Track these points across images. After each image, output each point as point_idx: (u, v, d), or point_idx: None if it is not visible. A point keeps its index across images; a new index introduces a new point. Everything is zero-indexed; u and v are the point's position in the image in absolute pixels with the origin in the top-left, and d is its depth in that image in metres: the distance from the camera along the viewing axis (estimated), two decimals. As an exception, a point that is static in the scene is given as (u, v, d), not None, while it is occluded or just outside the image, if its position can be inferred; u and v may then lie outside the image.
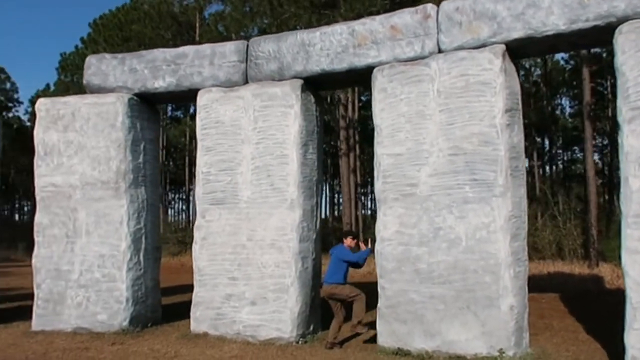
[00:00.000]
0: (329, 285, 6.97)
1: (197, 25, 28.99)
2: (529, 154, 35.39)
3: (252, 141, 7.72)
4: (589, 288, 12.24)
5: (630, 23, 5.67)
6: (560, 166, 41.13)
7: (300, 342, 7.20)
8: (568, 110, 40.66)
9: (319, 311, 7.97)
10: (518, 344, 6.13)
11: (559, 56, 35.90)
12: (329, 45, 7.43)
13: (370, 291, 7.13)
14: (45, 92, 39.84)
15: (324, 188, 45.76)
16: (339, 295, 6.95)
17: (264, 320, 7.37)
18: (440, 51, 6.81)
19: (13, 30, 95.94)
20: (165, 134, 36.22)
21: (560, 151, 41.09)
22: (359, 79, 7.59)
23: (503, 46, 6.40)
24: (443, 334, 6.36)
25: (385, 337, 6.74)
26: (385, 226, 6.91)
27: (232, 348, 6.92)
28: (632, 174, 5.56)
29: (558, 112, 39.17)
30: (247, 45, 8.02)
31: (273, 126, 7.63)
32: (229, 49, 8.04)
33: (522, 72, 33.51)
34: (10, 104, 43.03)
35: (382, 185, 6.98)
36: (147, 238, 8.43)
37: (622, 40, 5.70)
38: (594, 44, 6.82)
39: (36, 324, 8.21)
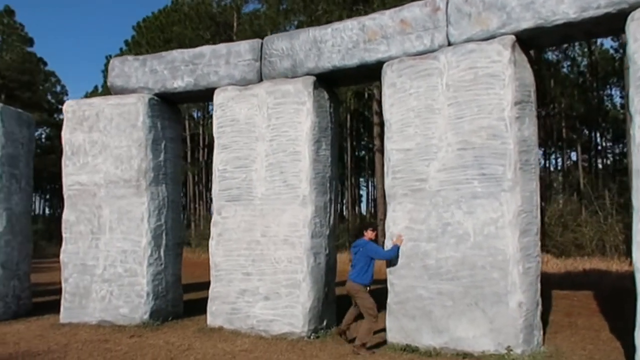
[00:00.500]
0: (354, 284, 6.68)
1: (235, 24, 29.37)
2: (574, 147, 34.21)
3: (266, 138, 7.80)
4: (627, 286, 11.77)
5: (643, 9, 5.43)
6: (611, 159, 39.55)
7: (312, 337, 7.25)
8: (619, 101, 39.01)
9: (334, 306, 8.00)
10: (527, 342, 5.98)
11: (607, 45, 34.59)
12: (340, 42, 7.43)
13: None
14: (94, 94, 41.25)
15: (367, 184, 45.63)
16: (358, 301, 6.70)
17: (276, 315, 7.45)
18: (449, 44, 6.70)
19: (63, 34, 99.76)
20: (207, 133, 36.84)
21: (610, 144, 39.52)
22: (370, 74, 7.54)
23: (512, 37, 6.24)
24: (451, 330, 6.27)
25: (394, 333, 6.71)
26: (395, 222, 6.87)
27: (244, 342, 7.04)
28: (648, 166, 5.33)
29: (608, 103, 37.67)
30: (262, 44, 8.10)
31: (286, 123, 7.69)
32: (244, 48, 8.14)
33: (567, 63, 32.42)
34: (60, 107, 44.75)
35: (391, 180, 6.94)
36: (167, 234, 8.66)
37: (634, 28, 5.47)
38: (608, 32, 6.56)
39: (64, 316, 8.57)
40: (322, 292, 7.60)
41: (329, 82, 7.93)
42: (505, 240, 6.09)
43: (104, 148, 8.60)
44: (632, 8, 5.52)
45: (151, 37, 33.37)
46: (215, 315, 7.90)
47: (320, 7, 20.61)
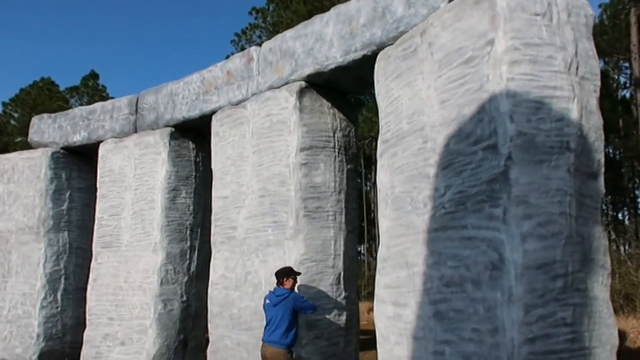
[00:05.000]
0: (274, 349, 5.35)
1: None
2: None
3: (132, 187, 8.18)
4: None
5: (383, 51, 5.23)
6: None
7: (153, 385, 7.29)
8: None
9: (200, 355, 7.98)
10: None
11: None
12: (187, 94, 7.74)
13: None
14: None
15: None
16: None
17: (127, 361, 7.61)
18: (261, 93, 6.75)
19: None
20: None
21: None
22: (210, 124, 7.72)
23: (299, 84, 6.21)
24: (239, 383, 6.10)
25: (205, 384, 6.62)
26: (215, 270, 6.88)
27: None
28: (382, 214, 5.02)
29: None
30: (137, 99, 8.59)
31: (147, 173, 8.03)
32: (124, 104, 8.68)
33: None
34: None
35: (214, 228, 6.99)
36: (67, 279, 9.17)
37: (377, 69, 5.28)
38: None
39: (-22, 355, 9.31)
40: (175, 339, 7.65)
41: (193, 132, 8.20)
42: (286, 290, 5.89)
43: (17, 198, 9.42)
44: (380, 50, 5.32)
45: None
46: (85, 358, 8.21)
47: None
